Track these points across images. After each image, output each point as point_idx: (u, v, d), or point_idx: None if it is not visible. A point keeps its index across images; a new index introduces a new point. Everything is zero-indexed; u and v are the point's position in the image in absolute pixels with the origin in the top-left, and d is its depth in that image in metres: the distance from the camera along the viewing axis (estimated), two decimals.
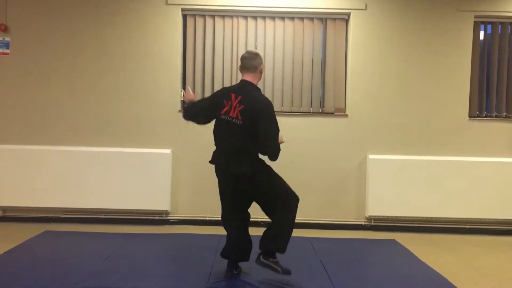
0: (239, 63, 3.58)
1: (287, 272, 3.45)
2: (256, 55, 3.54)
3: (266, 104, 3.39)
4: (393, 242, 4.85)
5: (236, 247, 3.63)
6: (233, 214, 3.64)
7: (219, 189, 3.65)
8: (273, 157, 3.42)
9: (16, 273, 3.60)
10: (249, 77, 3.50)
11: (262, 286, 3.48)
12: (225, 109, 3.43)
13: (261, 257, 3.47)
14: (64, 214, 5.37)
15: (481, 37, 5.53)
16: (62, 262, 3.90)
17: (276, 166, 4.00)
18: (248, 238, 3.65)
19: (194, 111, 3.65)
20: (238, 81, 3.61)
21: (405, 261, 4.24)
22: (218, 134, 3.55)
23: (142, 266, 3.85)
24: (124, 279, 3.54)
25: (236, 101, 3.39)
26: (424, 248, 4.65)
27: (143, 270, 3.74)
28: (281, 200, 3.47)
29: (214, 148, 3.83)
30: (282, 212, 3.47)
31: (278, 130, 3.42)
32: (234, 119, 3.38)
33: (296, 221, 4.94)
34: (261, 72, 3.55)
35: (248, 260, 3.66)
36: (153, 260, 4.04)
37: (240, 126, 3.36)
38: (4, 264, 3.82)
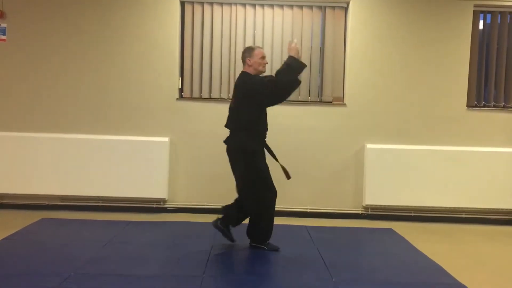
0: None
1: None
2: (244, 50, 4.05)
3: (243, 80, 3.94)
4: (389, 231, 4.87)
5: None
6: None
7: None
8: (284, 91, 3.83)
9: (14, 260, 3.61)
10: (244, 69, 4.00)
11: (260, 275, 3.50)
12: None
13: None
14: (62, 202, 5.37)
15: (481, 26, 5.50)
16: (60, 249, 3.92)
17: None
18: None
19: None
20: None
21: (402, 249, 4.26)
22: None
23: (139, 253, 3.86)
24: (122, 266, 3.56)
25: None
26: (420, 237, 4.67)
27: (140, 257, 3.76)
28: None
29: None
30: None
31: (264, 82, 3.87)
32: (231, 104, 4.04)
33: (293, 209, 5.01)
34: (249, 66, 3.94)
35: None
36: (150, 247, 4.05)
37: (233, 109, 3.99)
38: (1, 251, 3.83)
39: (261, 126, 3.95)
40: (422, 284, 3.44)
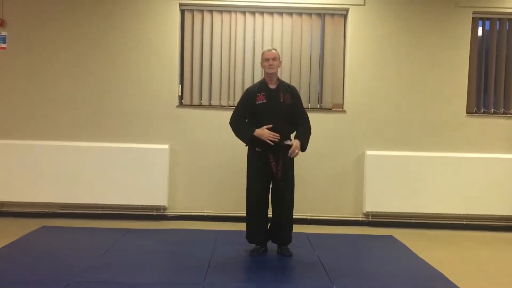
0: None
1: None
2: None
3: None
4: (390, 237, 4.86)
5: None
6: None
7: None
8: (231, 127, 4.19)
9: (14, 268, 3.60)
10: None
11: (260, 282, 3.49)
12: None
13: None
14: (61, 209, 5.36)
15: (480, 33, 5.52)
16: (60, 257, 3.91)
17: None
18: None
19: None
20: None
21: (402, 256, 4.25)
22: None
23: (139, 261, 3.85)
24: (121, 273, 3.54)
25: None
26: (421, 244, 4.66)
27: (140, 265, 3.75)
28: None
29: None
30: None
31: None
32: None
33: (293, 216, 5.01)
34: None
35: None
36: (150, 255, 4.04)
37: None
38: (1, 259, 3.82)
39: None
40: None
